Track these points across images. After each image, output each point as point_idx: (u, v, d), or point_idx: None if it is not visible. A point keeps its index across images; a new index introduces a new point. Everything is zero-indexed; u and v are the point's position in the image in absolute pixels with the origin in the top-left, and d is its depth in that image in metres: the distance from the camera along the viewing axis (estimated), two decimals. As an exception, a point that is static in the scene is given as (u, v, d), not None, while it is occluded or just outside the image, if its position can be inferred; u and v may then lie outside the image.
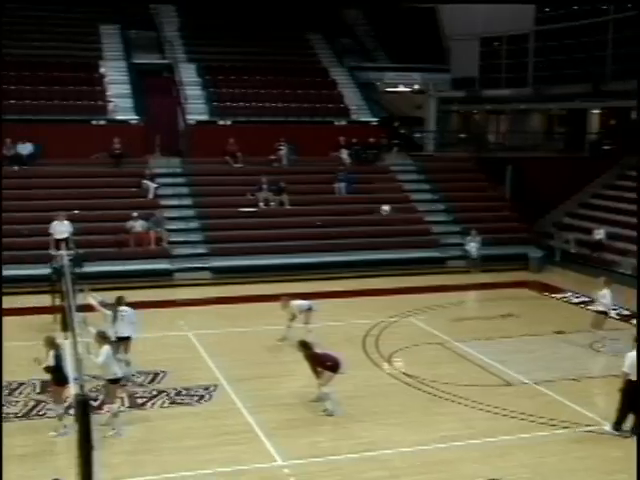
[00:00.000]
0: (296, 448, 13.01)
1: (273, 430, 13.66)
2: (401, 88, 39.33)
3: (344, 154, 32.15)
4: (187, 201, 29.13)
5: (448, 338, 19.54)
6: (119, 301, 16.40)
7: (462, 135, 45.51)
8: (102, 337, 13.84)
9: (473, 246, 28.14)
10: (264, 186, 29.38)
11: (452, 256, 28.64)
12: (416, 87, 39.35)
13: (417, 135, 40.60)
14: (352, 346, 18.54)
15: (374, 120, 34.07)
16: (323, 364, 14.45)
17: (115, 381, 13.73)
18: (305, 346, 14.91)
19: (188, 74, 34.26)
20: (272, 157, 31.33)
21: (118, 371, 13.85)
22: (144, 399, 15.24)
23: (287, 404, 14.96)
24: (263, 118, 32.36)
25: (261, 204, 29.16)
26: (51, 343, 13.68)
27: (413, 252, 28.00)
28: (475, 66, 42.78)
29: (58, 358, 13.58)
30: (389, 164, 33.19)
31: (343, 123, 33.40)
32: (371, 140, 32.82)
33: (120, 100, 31.77)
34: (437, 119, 39.45)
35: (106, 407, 13.94)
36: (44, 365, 13.50)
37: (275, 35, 36.53)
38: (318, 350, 14.87)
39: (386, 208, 21.45)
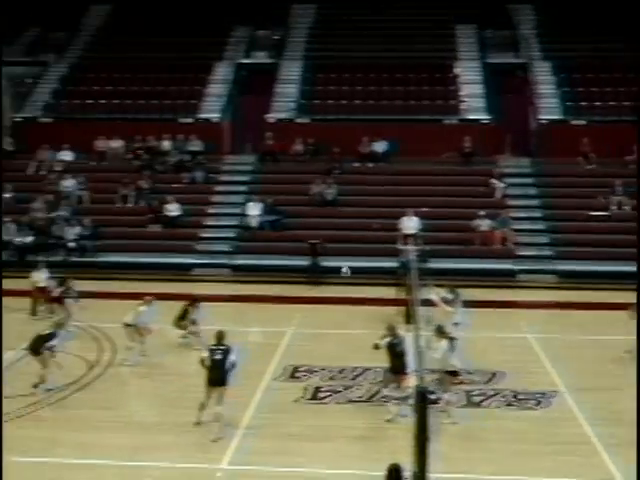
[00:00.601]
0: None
1: (613, 446, 12.92)
2: None
3: None
4: (535, 202, 28.64)
5: None
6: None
7: None
8: (441, 332, 14.19)
9: None
10: (618, 189, 27.96)
11: None
12: None
13: None
14: None
15: None
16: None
17: (452, 373, 13.96)
18: None
19: (543, 73, 33.55)
20: (628, 158, 29.66)
21: (457, 364, 14.06)
22: (481, 397, 15.24)
23: (632, 420, 14.08)
24: (619, 117, 30.64)
25: (613, 208, 27.79)
26: (391, 330, 14.28)
27: None
28: None
29: (394, 346, 14.11)
30: None
31: None
32: None
33: (472, 100, 32.04)
34: None
35: (442, 398, 14.19)
36: (375, 343, 14.28)
37: (635, 29, 34.29)
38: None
39: (344, 270, 20.57)
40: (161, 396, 15.21)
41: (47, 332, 15.47)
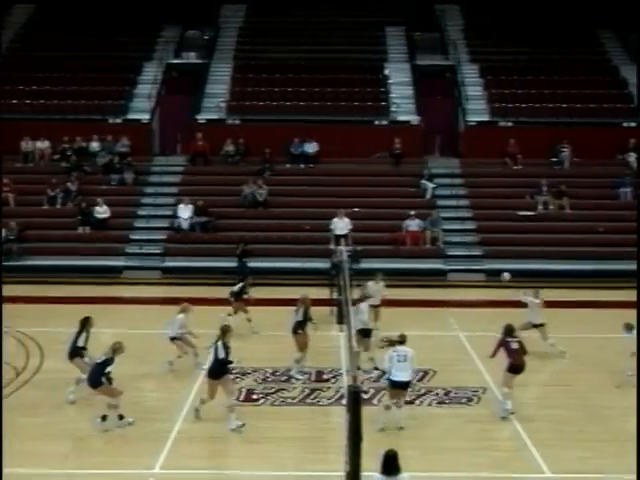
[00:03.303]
0: (566, 461, 12.47)
1: (542, 440, 13.20)
2: None
3: (632, 157, 30.37)
4: (464, 202, 29.08)
5: None
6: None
7: None
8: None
9: None
10: (544, 189, 28.58)
11: None
12: None
13: None
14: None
15: (670, 121, 31.77)
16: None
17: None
18: None
19: (470, 75, 34.08)
20: (553, 159, 30.37)
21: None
22: (413, 395, 15.38)
23: (559, 415, 14.43)
24: (545, 119, 31.40)
25: (540, 207, 28.39)
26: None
27: None
28: None
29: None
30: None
31: (632, 125, 31.45)
32: (664, 143, 30.69)
33: (402, 101, 32.34)
34: None
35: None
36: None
37: (561, 33, 35.12)
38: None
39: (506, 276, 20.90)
40: (90, 403, 14.95)
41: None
